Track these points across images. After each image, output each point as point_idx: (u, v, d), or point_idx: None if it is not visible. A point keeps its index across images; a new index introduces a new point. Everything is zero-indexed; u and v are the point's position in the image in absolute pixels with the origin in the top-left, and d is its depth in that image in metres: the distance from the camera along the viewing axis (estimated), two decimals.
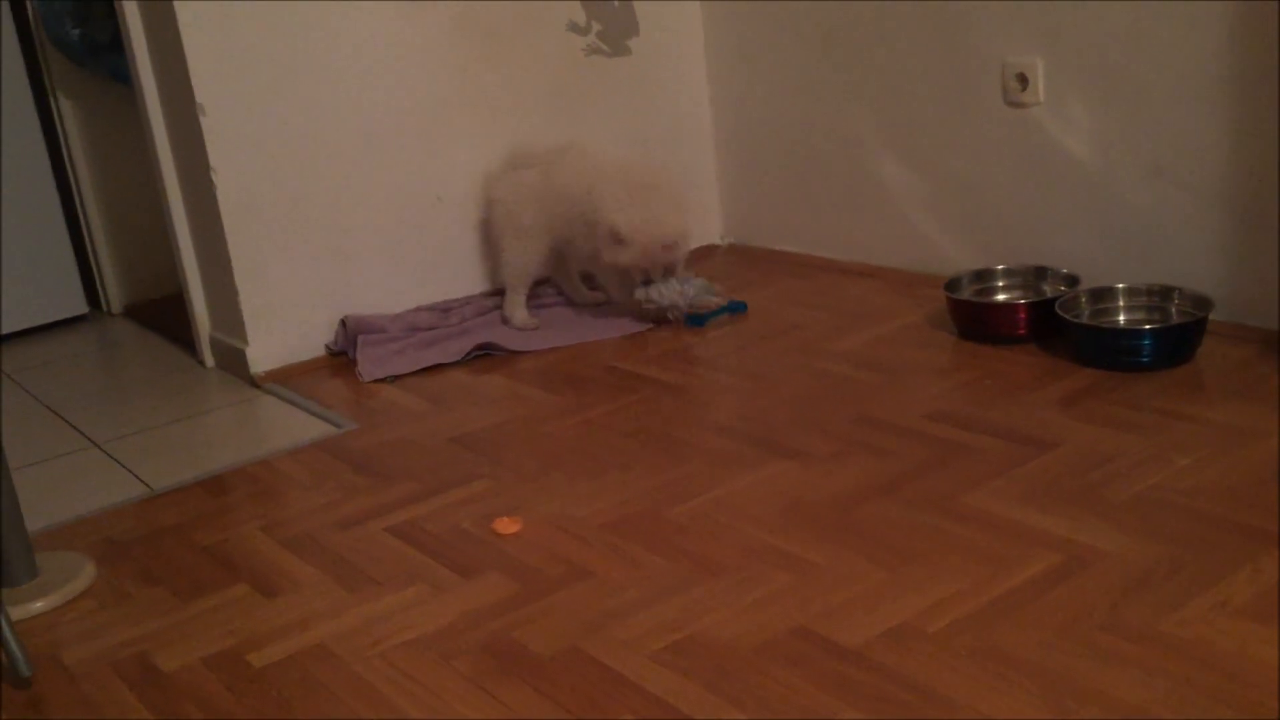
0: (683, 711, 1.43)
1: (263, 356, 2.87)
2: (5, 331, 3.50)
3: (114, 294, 3.77)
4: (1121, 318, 2.45)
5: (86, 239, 3.72)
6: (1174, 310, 2.40)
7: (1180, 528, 1.71)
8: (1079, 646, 1.46)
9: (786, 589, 1.67)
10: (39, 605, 1.85)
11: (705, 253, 3.52)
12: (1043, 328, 2.46)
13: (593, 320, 2.94)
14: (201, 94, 2.70)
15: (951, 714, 1.37)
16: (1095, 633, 1.49)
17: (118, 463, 2.47)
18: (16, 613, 1.80)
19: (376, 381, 2.74)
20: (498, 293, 3.13)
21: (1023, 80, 2.66)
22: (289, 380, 2.83)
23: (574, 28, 3.20)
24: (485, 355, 2.80)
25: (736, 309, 2.93)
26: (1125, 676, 1.40)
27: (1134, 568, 1.62)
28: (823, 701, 1.41)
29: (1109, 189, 2.58)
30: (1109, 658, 1.43)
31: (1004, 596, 1.59)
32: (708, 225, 3.56)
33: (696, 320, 2.87)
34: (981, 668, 1.44)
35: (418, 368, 2.76)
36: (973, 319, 2.57)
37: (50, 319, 3.59)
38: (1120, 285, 2.47)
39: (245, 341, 2.87)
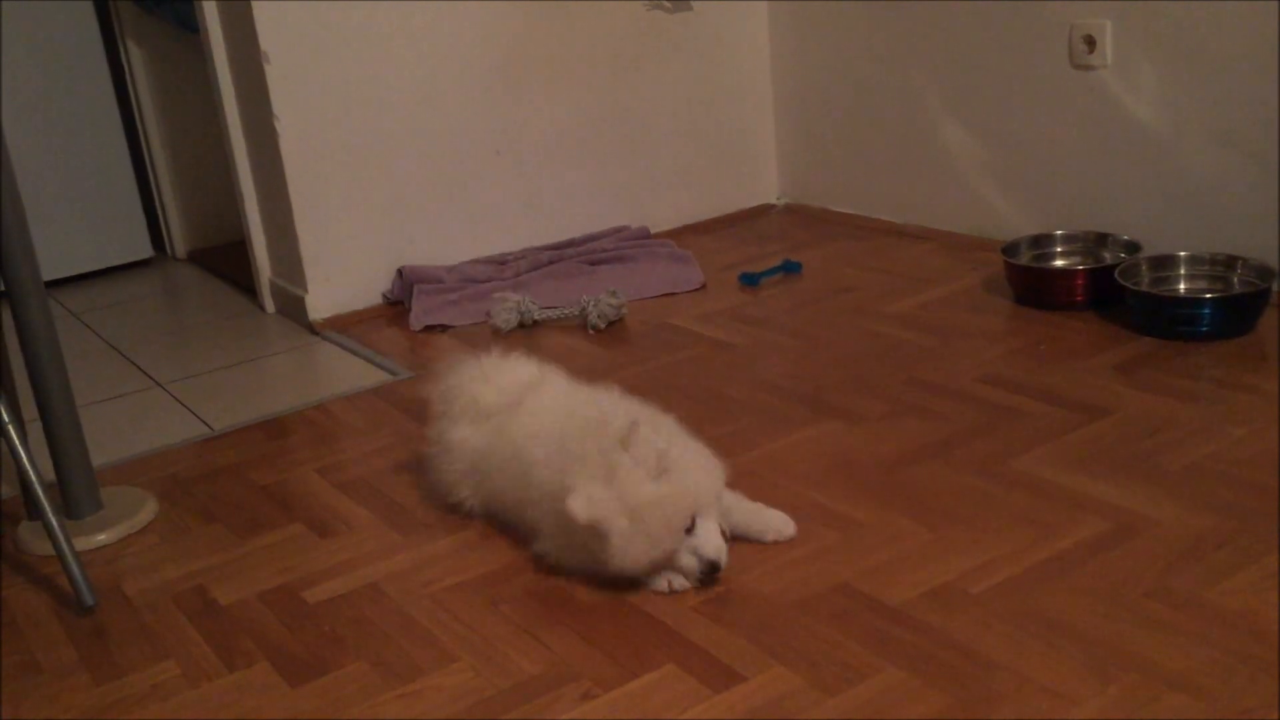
0: (724, 662, 1.44)
1: (322, 304, 2.92)
2: (73, 273, 3.58)
3: (179, 239, 3.84)
4: (1182, 286, 2.41)
5: (153, 184, 3.79)
6: (1236, 280, 2.36)
7: (1233, 498, 1.69)
8: (1124, 612, 1.46)
9: (831, 546, 1.68)
10: (102, 538, 1.91)
11: (760, 211, 3.51)
12: (1101, 295, 2.43)
13: (646, 276, 2.95)
14: (266, 42, 2.73)
15: (992, 674, 1.37)
16: (1141, 599, 1.48)
17: (180, 403, 2.53)
18: (81, 544, 1.86)
19: (427, 329, 2.77)
20: (553, 246, 3.15)
21: (1090, 42, 2.61)
22: (346, 328, 2.88)
23: None
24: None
25: (791, 269, 2.93)
26: (1170, 644, 1.39)
27: (1183, 536, 1.61)
28: (864, 657, 1.43)
29: (1174, 155, 2.53)
30: (1154, 624, 1.43)
31: (1050, 560, 1.59)
32: (764, 184, 3.55)
33: (750, 279, 2.87)
34: (1024, 630, 1.45)
35: (471, 321, 2.79)
36: (1030, 284, 2.54)
37: (116, 262, 3.67)
38: (1182, 253, 2.43)
39: (305, 289, 2.91)
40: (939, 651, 1.42)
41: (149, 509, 2.00)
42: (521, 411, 1.78)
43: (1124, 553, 1.59)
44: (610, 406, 1.69)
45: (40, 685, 1.55)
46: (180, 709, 1.47)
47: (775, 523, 1.72)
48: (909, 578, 1.58)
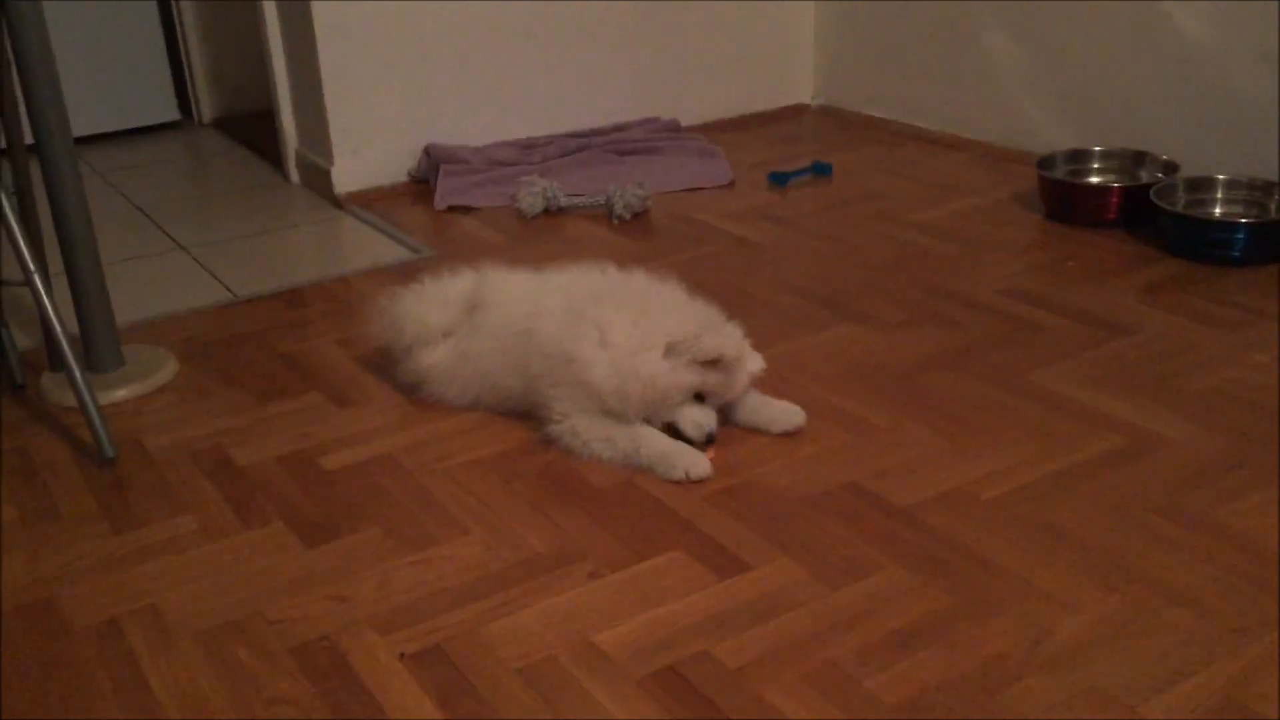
0: (730, 551, 1.46)
1: (347, 177, 2.90)
2: (99, 131, 3.56)
3: (205, 104, 3.81)
4: (1217, 210, 2.38)
5: (182, 48, 3.74)
6: (1273, 206, 2.32)
7: (1248, 422, 1.69)
8: (1131, 527, 1.47)
9: (844, 446, 1.69)
10: (123, 393, 1.94)
11: (794, 112, 3.46)
12: (1135, 214, 2.40)
13: (674, 169, 2.92)
14: None
15: (995, 578, 1.39)
16: (1149, 515, 1.49)
17: (203, 267, 2.54)
18: (102, 397, 1.87)
19: (451, 209, 2.76)
20: (581, 134, 3.11)
21: None
22: (371, 203, 2.86)
23: None
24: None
25: (821, 171, 2.89)
26: (1174, 560, 1.40)
27: (1196, 457, 1.62)
28: (868, 554, 1.44)
29: (1221, 74, 2.48)
30: (1160, 540, 1.44)
31: (1062, 472, 1.59)
32: (800, 84, 3.48)
33: (779, 179, 2.84)
34: (1030, 538, 1.46)
35: (495, 203, 2.77)
36: (1062, 199, 2.51)
37: (142, 123, 3.64)
38: (1221, 176, 2.39)
39: (331, 161, 2.89)
40: (943, 553, 1.44)
41: (170, 368, 2.02)
42: (492, 306, 1.81)
43: (1136, 470, 1.59)
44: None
45: (59, 530, 1.58)
46: (198, 561, 1.50)
47: (784, 414, 1.73)
48: (919, 481, 1.59)
